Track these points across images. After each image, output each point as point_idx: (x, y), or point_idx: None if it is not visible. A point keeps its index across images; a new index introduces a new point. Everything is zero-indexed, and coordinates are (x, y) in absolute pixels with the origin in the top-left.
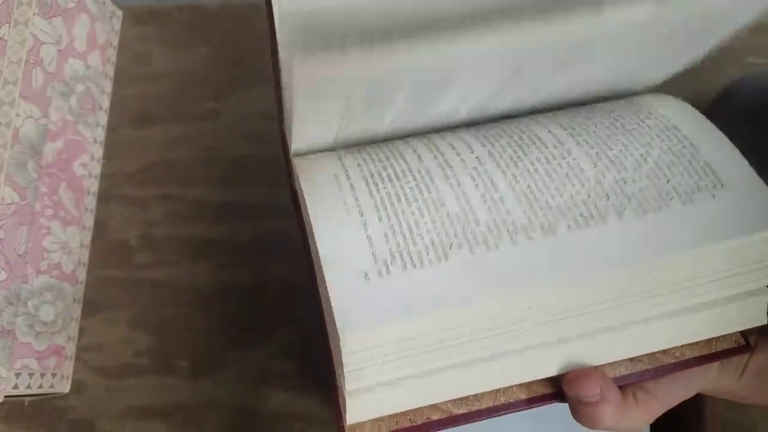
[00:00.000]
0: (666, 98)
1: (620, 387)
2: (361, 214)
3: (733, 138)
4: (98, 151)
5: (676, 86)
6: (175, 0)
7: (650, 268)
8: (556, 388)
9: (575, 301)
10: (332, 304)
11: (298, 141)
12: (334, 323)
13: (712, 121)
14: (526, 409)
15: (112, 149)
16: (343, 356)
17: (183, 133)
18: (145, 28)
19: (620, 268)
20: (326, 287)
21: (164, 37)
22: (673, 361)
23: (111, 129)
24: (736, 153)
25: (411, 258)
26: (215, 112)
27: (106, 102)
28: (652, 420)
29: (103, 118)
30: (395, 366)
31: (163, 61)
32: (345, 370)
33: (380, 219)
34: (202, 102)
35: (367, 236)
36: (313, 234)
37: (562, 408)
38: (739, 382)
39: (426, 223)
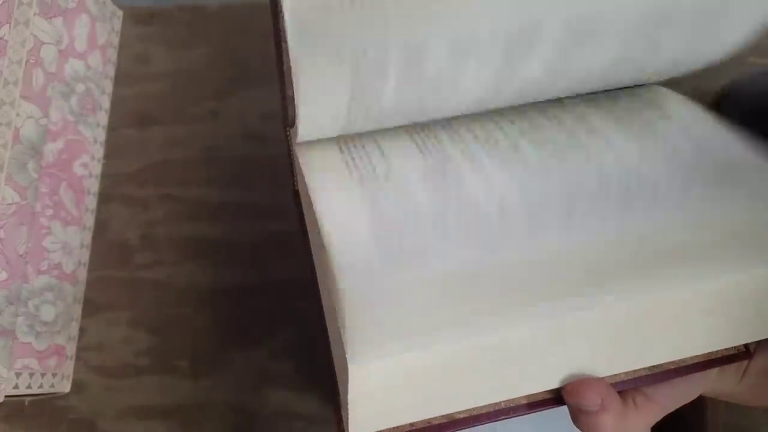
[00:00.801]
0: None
1: (619, 392)
2: (373, 226)
3: None
4: (98, 151)
5: (677, 86)
6: (175, 0)
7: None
8: (557, 393)
9: (589, 327)
10: (342, 330)
11: (305, 120)
12: (343, 353)
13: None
14: (527, 413)
15: (112, 149)
16: (350, 385)
17: (183, 133)
18: (146, 29)
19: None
20: (333, 305)
21: (164, 37)
22: (673, 367)
23: (111, 129)
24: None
25: (422, 270)
26: (215, 112)
27: (106, 102)
28: (652, 424)
29: (103, 118)
30: (402, 392)
31: (164, 61)
32: (350, 396)
33: (392, 231)
34: (202, 102)
35: (377, 245)
36: (323, 250)
37: (563, 408)
38: (740, 385)
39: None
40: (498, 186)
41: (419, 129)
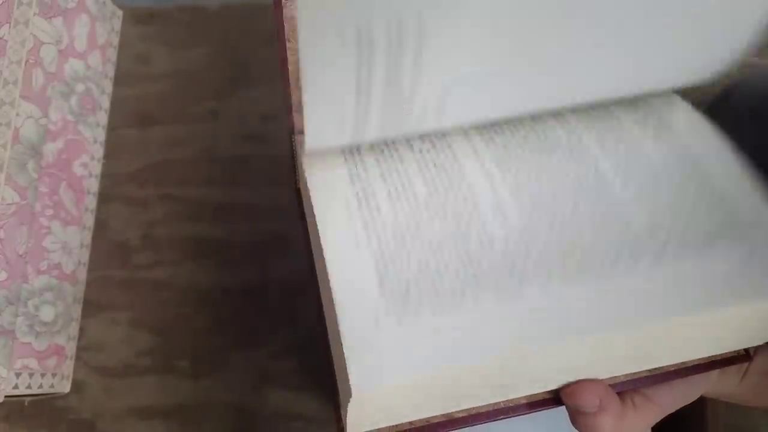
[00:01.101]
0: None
1: (618, 393)
2: (374, 253)
3: (733, 139)
4: (98, 151)
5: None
6: (175, 0)
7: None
8: (556, 394)
9: (589, 354)
10: (345, 357)
11: (312, 127)
12: (343, 353)
13: (712, 122)
14: (527, 413)
15: (112, 149)
16: (351, 385)
17: (183, 133)
18: (146, 28)
19: (632, 328)
20: (337, 333)
21: (164, 37)
22: (673, 368)
23: (111, 129)
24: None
25: (429, 304)
26: (215, 112)
27: (106, 102)
28: (652, 425)
29: (103, 118)
30: (402, 395)
31: (164, 61)
32: (351, 397)
33: (393, 260)
34: (202, 102)
35: (380, 280)
36: (322, 263)
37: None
38: (741, 386)
39: (446, 264)
40: (509, 219)
41: (426, 148)
